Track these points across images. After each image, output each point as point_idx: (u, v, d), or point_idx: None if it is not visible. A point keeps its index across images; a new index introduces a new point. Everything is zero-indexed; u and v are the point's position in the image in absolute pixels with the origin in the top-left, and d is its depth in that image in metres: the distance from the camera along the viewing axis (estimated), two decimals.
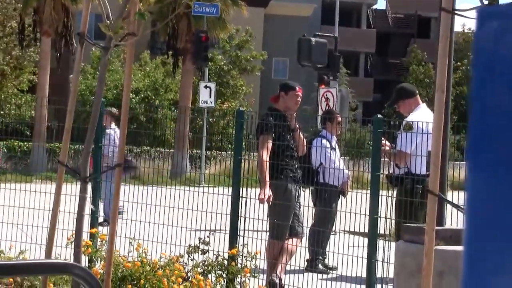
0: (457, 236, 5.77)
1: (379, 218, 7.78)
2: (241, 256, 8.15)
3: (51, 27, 30.03)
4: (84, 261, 8.03)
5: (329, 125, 11.02)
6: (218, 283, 7.87)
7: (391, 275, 6.91)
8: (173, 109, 31.75)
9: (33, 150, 27.23)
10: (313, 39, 19.15)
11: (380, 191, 7.82)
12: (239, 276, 7.98)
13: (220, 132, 36.09)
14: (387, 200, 7.96)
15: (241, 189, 8.54)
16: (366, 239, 8.01)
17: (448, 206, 5.70)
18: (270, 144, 8.49)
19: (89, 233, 8.46)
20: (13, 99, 35.53)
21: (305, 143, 9.04)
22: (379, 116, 8.09)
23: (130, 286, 7.51)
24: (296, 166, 8.71)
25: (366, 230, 7.95)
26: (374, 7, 64.10)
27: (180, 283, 7.55)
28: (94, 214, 9.17)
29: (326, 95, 18.61)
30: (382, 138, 8.00)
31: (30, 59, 35.44)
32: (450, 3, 4.04)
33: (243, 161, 8.69)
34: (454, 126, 10.44)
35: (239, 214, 8.47)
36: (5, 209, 9.39)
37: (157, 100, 37.37)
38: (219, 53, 42.66)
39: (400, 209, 8.07)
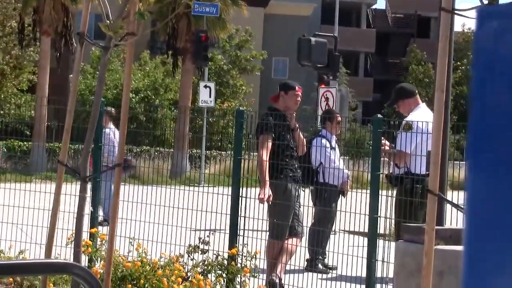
0: (457, 236, 5.77)
1: (379, 218, 7.78)
2: (241, 256, 8.15)
3: (51, 26, 30.03)
4: (84, 260, 8.03)
5: (329, 125, 11.02)
6: (218, 283, 7.87)
7: (391, 274, 6.91)
8: (173, 108, 31.75)
9: (33, 149, 27.23)
10: (313, 39, 19.14)
11: (380, 191, 7.82)
12: (239, 276, 7.98)
13: (220, 132, 36.10)
14: (387, 199, 7.96)
15: (241, 188, 8.54)
16: (366, 239, 8.01)
17: (448, 206, 5.70)
18: (270, 144, 8.49)
19: (89, 233, 8.46)
20: (12, 99, 35.53)
21: (305, 143, 9.04)
22: (379, 115, 8.09)
23: (130, 285, 7.51)
24: (296, 165, 8.71)
25: (366, 230, 7.95)
26: (373, 6, 64.12)
27: (180, 283, 7.55)
28: (93, 214, 9.17)
29: (326, 94, 18.61)
30: (382, 138, 8.00)
31: (30, 59, 35.43)
32: (450, 3, 4.04)
33: (243, 160, 8.69)
34: (453, 126, 10.43)
35: (239, 214, 8.47)
36: (5, 209, 9.39)
37: (157, 99, 37.37)
38: (219, 53, 42.65)
39: (400, 208, 8.07)
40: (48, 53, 30.52)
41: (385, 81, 56.46)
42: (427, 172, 7.74)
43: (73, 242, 5.26)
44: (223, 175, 10.90)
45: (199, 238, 8.18)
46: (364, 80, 59.49)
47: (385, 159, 8.65)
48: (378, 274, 7.75)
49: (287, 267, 8.64)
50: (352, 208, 8.00)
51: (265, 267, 8.56)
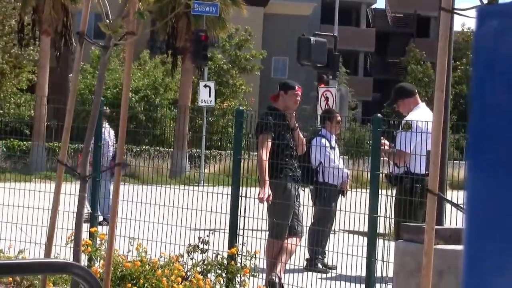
0: (457, 236, 5.77)
1: (378, 217, 7.78)
2: (240, 256, 8.15)
3: (51, 26, 30.02)
4: (84, 260, 8.03)
5: (329, 124, 11.02)
6: (217, 283, 7.87)
7: (390, 274, 6.90)
8: (172, 108, 31.74)
9: (32, 149, 27.22)
10: (312, 38, 19.14)
11: (380, 190, 7.82)
12: (238, 275, 7.98)
13: (219, 132, 36.09)
14: (387, 199, 7.96)
15: (240, 188, 8.54)
16: (365, 238, 8.01)
17: (448, 205, 5.70)
18: (269, 143, 8.49)
19: (88, 232, 8.47)
20: (12, 98, 35.51)
21: (304, 142, 9.04)
22: (379, 115, 8.09)
23: (129, 285, 7.51)
24: (296, 165, 8.71)
25: (366, 229, 7.95)
26: (373, 6, 64.11)
27: (180, 282, 7.55)
28: (92, 214, 9.17)
29: (326, 94, 18.61)
30: (382, 138, 8.00)
31: (30, 58, 35.42)
32: (450, 2, 4.04)
33: (242, 160, 8.69)
34: (453, 125, 10.44)
35: (239, 213, 8.47)
36: (5, 208, 9.39)
37: (157, 99, 37.36)
38: (219, 52, 42.65)
39: (400, 208, 8.07)
40: (47, 53, 30.51)
41: (384, 80, 56.47)
42: (426, 172, 7.74)
43: (72, 242, 5.26)
44: (222, 174, 10.90)
45: (199, 238, 8.18)
46: (363, 79, 59.50)
47: (385, 158, 8.65)
48: (378, 274, 7.75)
49: (287, 267, 8.63)
50: (351, 207, 8.00)
51: (265, 267, 8.56)
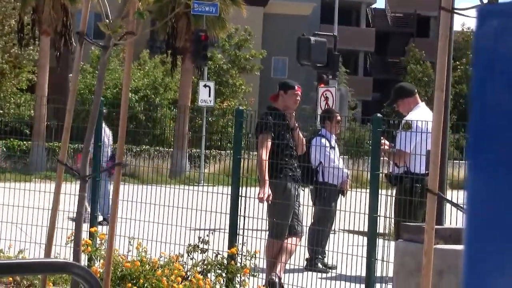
0: (457, 235, 5.77)
1: (378, 217, 7.78)
2: (240, 255, 8.15)
3: (50, 26, 30.02)
4: (84, 260, 8.03)
5: (328, 124, 11.02)
6: (217, 282, 7.86)
7: (390, 274, 6.91)
8: (172, 108, 31.74)
9: (32, 149, 27.21)
10: (312, 38, 19.14)
11: (380, 190, 7.82)
12: (238, 275, 7.98)
13: (219, 131, 36.09)
14: (387, 199, 7.96)
15: (240, 188, 8.54)
16: (365, 238, 8.01)
17: (448, 205, 5.70)
18: (269, 143, 8.49)
19: (88, 232, 8.47)
20: (12, 98, 35.50)
21: (304, 142, 9.04)
22: (378, 115, 8.09)
23: (129, 285, 7.51)
24: (296, 165, 8.71)
25: (366, 229, 7.95)
26: (373, 6, 64.12)
27: (180, 282, 7.55)
28: (92, 213, 9.17)
29: (326, 94, 18.61)
30: (381, 137, 8.00)
31: (29, 58, 35.41)
32: (450, 2, 4.04)
33: (242, 160, 8.69)
34: (453, 125, 10.44)
35: (239, 213, 8.47)
36: (5, 208, 9.39)
37: (157, 99, 37.36)
38: (219, 52, 42.64)
39: (400, 208, 8.07)
40: (47, 53, 30.51)
41: (384, 80, 56.46)
42: (426, 171, 7.74)
43: (72, 242, 5.26)
44: (222, 174, 10.90)
45: (199, 238, 8.18)
46: (363, 79, 59.50)
47: (385, 158, 8.65)
48: (378, 274, 7.75)
49: (287, 267, 8.63)
50: (351, 207, 8.00)
51: (265, 267, 8.56)
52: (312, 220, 10.46)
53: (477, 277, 1.36)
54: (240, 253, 8.16)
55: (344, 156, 11.92)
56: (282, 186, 8.49)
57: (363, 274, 7.92)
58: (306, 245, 10.00)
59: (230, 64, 43.01)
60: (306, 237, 9.73)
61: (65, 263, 3.40)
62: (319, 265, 10.39)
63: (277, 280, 8.33)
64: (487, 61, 1.37)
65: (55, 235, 5.45)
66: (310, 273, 8.95)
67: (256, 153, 8.69)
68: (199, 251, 8.11)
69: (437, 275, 5.41)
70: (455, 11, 4.19)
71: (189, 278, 7.78)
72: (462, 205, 4.12)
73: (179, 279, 7.57)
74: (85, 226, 7.70)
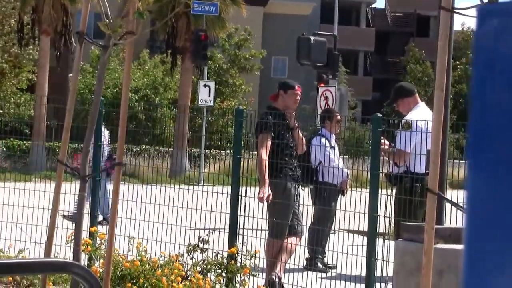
0: (457, 235, 5.77)
1: (378, 217, 7.78)
2: (240, 255, 8.15)
3: (50, 26, 30.02)
4: (84, 259, 8.03)
5: (328, 124, 11.01)
6: (217, 282, 7.86)
7: (390, 273, 6.90)
8: (172, 107, 31.73)
9: (32, 149, 27.22)
10: (312, 38, 19.13)
11: (380, 190, 7.82)
12: (238, 275, 7.98)
13: (219, 131, 36.09)
14: (386, 198, 7.96)
15: (240, 187, 8.54)
16: (365, 238, 8.01)
17: (448, 205, 5.71)
18: (269, 143, 8.49)
19: (88, 232, 8.46)
20: (12, 98, 35.50)
21: (304, 142, 9.04)
22: (378, 114, 8.09)
23: (129, 284, 7.51)
24: (296, 164, 8.71)
25: (366, 229, 7.95)
26: (373, 5, 64.11)
27: (180, 282, 7.55)
28: (92, 213, 9.17)
29: (325, 93, 18.61)
30: (381, 137, 8.00)
31: (29, 57, 35.41)
32: (450, 1, 4.04)
33: (242, 159, 8.69)
34: (453, 125, 10.44)
35: (239, 213, 8.47)
36: (5, 208, 9.39)
37: (157, 98, 37.35)
38: (219, 52, 42.64)
39: (399, 207, 8.07)
40: (47, 52, 30.51)
41: (384, 80, 56.46)
42: (426, 171, 7.74)
43: (72, 241, 5.26)
44: (222, 174, 10.90)
45: (199, 237, 8.18)
46: (363, 79, 59.50)
47: (385, 158, 8.65)
48: (378, 273, 7.75)
49: (287, 266, 8.63)
50: (351, 207, 8.00)
51: (265, 266, 8.56)
52: (312, 220, 10.46)
53: (477, 276, 1.36)
54: (240, 252, 8.16)
55: (344, 156, 11.92)
56: (282, 185, 8.49)
57: (363, 273, 7.92)
58: (306, 244, 10.00)
59: (230, 64, 43.01)
60: (306, 236, 9.73)
61: (65, 262, 3.40)
62: (319, 264, 10.39)
63: (277, 279, 8.33)
64: (487, 60, 1.38)
65: (55, 234, 5.45)
66: (310, 272, 8.95)
67: (256, 152, 8.69)
68: (199, 251, 8.11)
69: (437, 274, 5.41)
70: (455, 10, 4.19)
71: (189, 278, 7.78)
72: (462, 205, 4.12)
73: (179, 278, 7.57)
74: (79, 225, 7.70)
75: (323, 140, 10.75)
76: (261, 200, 8.32)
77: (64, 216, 10.61)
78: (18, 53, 34.84)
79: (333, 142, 10.98)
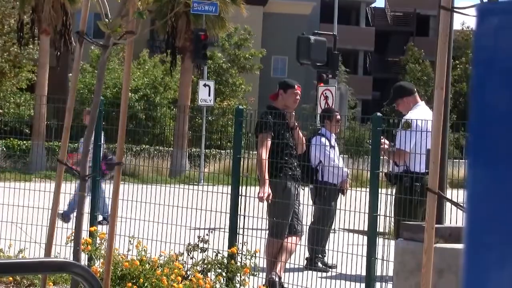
0: (457, 234, 5.77)
1: (378, 216, 7.78)
2: (240, 255, 8.15)
3: (50, 25, 30.02)
4: (84, 259, 8.03)
5: (328, 123, 11.02)
6: (217, 282, 7.86)
7: (390, 273, 6.91)
8: (172, 107, 31.74)
9: (32, 148, 27.21)
10: (312, 37, 19.11)
11: (379, 189, 7.82)
12: (238, 274, 7.98)
13: (219, 131, 36.09)
14: (386, 198, 7.96)
15: (240, 187, 8.54)
16: (365, 237, 8.01)
17: (448, 204, 5.70)
18: (269, 143, 8.49)
19: (88, 232, 8.46)
20: (12, 98, 35.49)
21: (304, 141, 9.04)
22: (378, 114, 8.09)
23: (129, 284, 7.51)
24: (295, 164, 8.71)
25: (366, 228, 7.95)
26: (373, 5, 64.12)
27: (180, 281, 7.55)
28: (92, 213, 9.17)
29: (325, 93, 18.60)
30: (381, 136, 8.00)
31: (29, 57, 35.39)
32: (449, 1, 4.04)
33: (242, 159, 8.69)
34: (453, 124, 10.43)
35: (239, 213, 8.47)
36: (5, 208, 9.39)
37: (157, 98, 37.35)
38: (219, 51, 42.63)
39: (399, 207, 8.07)
40: (47, 52, 30.50)
41: (384, 79, 56.48)
42: (426, 170, 7.74)
43: (72, 241, 5.26)
44: (222, 173, 10.90)
45: (199, 237, 8.18)
46: (363, 78, 59.51)
47: (385, 157, 8.65)
48: (378, 273, 7.75)
49: (287, 266, 8.63)
50: (351, 206, 8.00)
51: (265, 266, 8.56)
52: (312, 219, 10.46)
53: (477, 275, 1.36)
54: (240, 252, 8.16)
55: (344, 155, 11.92)
56: (282, 185, 8.49)
57: (363, 273, 7.92)
58: (306, 244, 10.00)
59: (230, 64, 43.01)
60: (306, 236, 9.73)
61: (65, 262, 3.40)
62: (319, 264, 10.39)
63: (277, 279, 8.33)
64: (487, 59, 1.38)
65: (55, 234, 5.45)
66: (310, 272, 8.96)
67: (256, 152, 8.69)
68: (199, 250, 8.11)
69: (437, 274, 5.41)
70: (455, 10, 4.19)
71: (189, 278, 7.78)
72: (462, 204, 4.13)
73: (179, 278, 7.57)
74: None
75: (323, 139, 10.75)
76: (261, 199, 8.32)
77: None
78: (18, 52, 34.83)
79: (333, 142, 10.98)
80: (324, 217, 10.54)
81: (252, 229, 8.68)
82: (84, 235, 7.57)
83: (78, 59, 5.19)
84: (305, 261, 10.10)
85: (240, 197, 8.47)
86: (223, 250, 8.23)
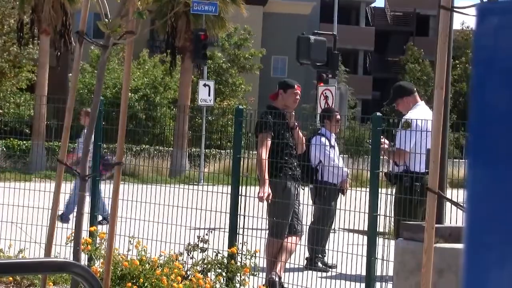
0: (457, 234, 5.77)
1: (378, 216, 7.78)
2: (240, 254, 8.15)
3: (50, 25, 30.02)
4: (84, 259, 8.03)
5: (328, 123, 11.02)
6: (217, 281, 7.86)
7: (390, 272, 6.91)
8: (172, 107, 31.74)
9: (32, 148, 27.21)
10: (312, 37, 19.11)
11: (379, 189, 7.82)
12: (238, 274, 7.98)
13: (219, 131, 36.08)
14: (386, 198, 7.96)
15: (240, 187, 8.54)
16: (365, 237, 8.01)
17: (448, 204, 5.70)
18: (269, 142, 8.49)
19: (88, 231, 8.46)
20: (12, 98, 35.48)
21: (304, 141, 9.04)
22: (378, 114, 8.09)
23: (129, 284, 7.51)
24: (295, 164, 8.71)
25: (366, 228, 7.95)
26: (373, 5, 64.13)
27: (180, 281, 7.55)
28: (92, 212, 9.17)
29: (325, 93, 18.60)
30: (381, 136, 8.00)
31: (29, 57, 35.39)
32: (449, 0, 4.04)
33: (242, 159, 8.69)
34: (453, 124, 10.43)
35: (239, 212, 8.47)
36: (5, 208, 9.39)
37: (157, 98, 37.34)
38: (218, 51, 42.63)
39: (399, 206, 8.07)
40: (47, 52, 30.50)
41: (384, 79, 56.49)
42: (426, 170, 7.74)
43: (72, 241, 5.26)
44: (222, 173, 10.90)
45: (198, 237, 8.18)
46: (363, 78, 59.52)
47: (384, 157, 8.65)
48: (378, 272, 7.75)
49: (287, 266, 8.63)
50: (351, 206, 8.00)
51: (265, 266, 8.56)
52: (312, 219, 10.46)
53: (477, 275, 1.36)
54: (240, 252, 8.16)
55: (344, 155, 11.92)
56: (282, 185, 8.49)
57: (363, 273, 7.92)
58: (306, 244, 10.00)
59: (230, 63, 43.01)
60: (306, 236, 9.73)
61: (65, 262, 3.40)
62: (319, 264, 10.39)
63: (277, 279, 8.33)
64: (486, 59, 1.37)
65: (55, 234, 5.45)
66: (310, 272, 8.96)
67: (256, 152, 8.69)
68: (199, 250, 8.11)
69: (437, 273, 5.41)
70: (455, 9, 4.19)
71: (189, 277, 7.78)
72: (462, 204, 4.13)
73: (179, 278, 7.57)
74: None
75: (323, 139, 10.75)
76: (261, 199, 8.32)
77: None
78: (18, 52, 34.83)
79: (333, 141, 10.98)
80: (324, 217, 10.54)
81: (252, 229, 8.68)
82: (84, 235, 7.57)
83: (78, 59, 5.19)
84: (305, 261, 10.10)
85: (240, 197, 8.47)
86: (223, 250, 8.22)
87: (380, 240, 7.84)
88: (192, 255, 8.09)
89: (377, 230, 7.80)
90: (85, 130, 12.71)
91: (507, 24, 1.34)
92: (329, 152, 10.79)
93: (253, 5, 39.86)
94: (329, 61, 19.78)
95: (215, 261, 8.02)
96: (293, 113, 8.85)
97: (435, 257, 4.15)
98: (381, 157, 8.09)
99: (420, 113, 8.59)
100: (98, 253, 8.05)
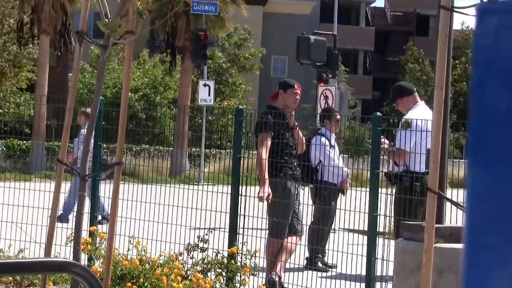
0: (457, 234, 5.77)
1: (378, 216, 7.78)
2: (240, 254, 8.15)
3: (50, 25, 30.02)
4: (84, 259, 8.03)
5: (328, 123, 11.02)
6: (217, 281, 7.86)
7: (390, 272, 6.91)
8: (172, 107, 31.73)
9: (32, 148, 27.21)
10: (312, 37, 19.11)
11: (379, 189, 7.82)
12: (238, 274, 7.98)
13: (219, 130, 36.08)
14: (386, 197, 7.96)
15: (240, 187, 8.54)
16: (365, 237, 8.01)
17: (448, 204, 5.71)
18: (269, 142, 8.49)
19: (88, 231, 8.46)
20: (12, 98, 35.49)
21: (304, 141, 9.04)
22: (378, 113, 8.09)
23: (129, 284, 7.51)
24: (295, 164, 8.71)
25: (366, 228, 7.95)
26: (373, 5, 64.13)
27: (180, 281, 7.55)
28: (92, 212, 9.17)
29: (325, 93, 18.60)
30: (381, 136, 8.00)
31: (29, 56, 35.39)
32: (449, 0, 4.04)
33: (242, 159, 8.69)
34: (453, 124, 10.43)
35: (239, 212, 8.47)
36: (5, 208, 9.39)
37: (157, 98, 37.34)
38: (218, 51, 42.63)
39: (399, 206, 8.07)
40: (47, 52, 30.51)
41: (384, 79, 56.49)
42: (426, 170, 7.74)
43: (72, 241, 5.26)
44: (222, 173, 10.90)
45: (198, 237, 8.18)
46: (363, 78, 59.52)
47: (384, 157, 8.65)
48: (378, 272, 7.75)
49: (287, 266, 8.63)
50: (351, 206, 8.00)
51: (265, 266, 8.56)
52: (312, 219, 10.46)
53: (477, 275, 1.36)
54: (240, 252, 8.16)
55: (344, 155, 11.92)
56: (282, 185, 8.49)
57: (363, 273, 7.92)
58: (306, 244, 10.00)
59: (230, 63, 43.01)
60: (306, 236, 9.73)
61: (65, 262, 3.40)
62: (319, 264, 10.39)
63: (277, 279, 8.33)
64: (486, 59, 1.37)
65: (55, 234, 5.45)
66: (310, 272, 8.96)
67: (256, 152, 8.69)
68: (199, 250, 8.11)
69: (437, 273, 5.41)
70: (455, 9, 4.19)
71: (189, 277, 7.78)
72: (462, 204, 4.13)
73: (179, 278, 7.57)
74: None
75: (323, 139, 10.75)
76: (261, 199, 8.32)
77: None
78: (18, 52, 34.83)
79: (333, 141, 10.98)
80: (324, 217, 10.54)
81: (252, 229, 8.68)
82: (84, 234, 7.57)
83: (78, 59, 5.19)
84: (305, 261, 10.10)
85: (240, 196, 8.47)
86: (223, 250, 8.22)
87: (380, 240, 7.84)
88: (192, 255, 8.09)
89: (377, 230, 7.80)
90: (82, 130, 12.75)
91: (507, 24, 1.34)
92: (329, 152, 10.79)
93: (253, 5, 39.86)
94: (329, 61, 19.79)
95: (215, 261, 8.02)
96: (293, 113, 8.85)
97: (435, 257, 4.15)
98: (381, 157, 8.09)
99: (420, 113, 8.59)
100: (98, 253, 8.05)
